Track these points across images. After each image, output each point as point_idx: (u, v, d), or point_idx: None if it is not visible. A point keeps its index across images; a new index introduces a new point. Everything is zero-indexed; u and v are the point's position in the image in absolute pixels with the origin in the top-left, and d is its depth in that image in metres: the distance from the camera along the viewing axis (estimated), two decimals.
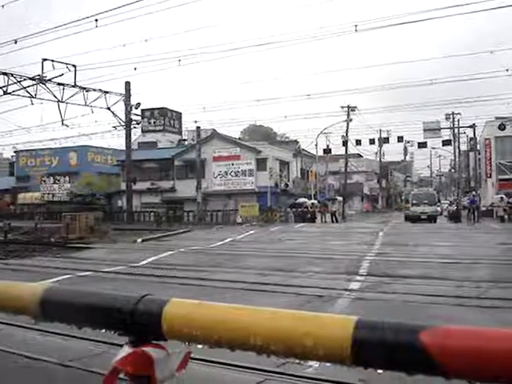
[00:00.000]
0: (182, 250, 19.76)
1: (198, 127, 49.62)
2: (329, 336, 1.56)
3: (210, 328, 1.75)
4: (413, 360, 1.50)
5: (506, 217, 40.77)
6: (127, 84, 43.85)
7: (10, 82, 36.76)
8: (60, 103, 38.95)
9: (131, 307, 1.91)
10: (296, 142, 65.67)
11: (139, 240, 25.71)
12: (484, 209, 46.80)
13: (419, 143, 57.51)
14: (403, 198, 73.61)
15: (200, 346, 1.86)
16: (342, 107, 57.17)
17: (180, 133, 69.00)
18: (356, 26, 30.17)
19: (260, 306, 6.33)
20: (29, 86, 37.27)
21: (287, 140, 75.97)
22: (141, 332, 1.93)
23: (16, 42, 33.74)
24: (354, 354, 1.55)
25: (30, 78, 36.92)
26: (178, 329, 1.81)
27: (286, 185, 53.55)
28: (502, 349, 1.34)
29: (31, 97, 37.77)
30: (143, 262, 16.20)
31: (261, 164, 51.62)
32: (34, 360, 5.21)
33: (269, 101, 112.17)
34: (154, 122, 64.47)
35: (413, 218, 44.21)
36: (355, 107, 57.17)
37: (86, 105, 40.29)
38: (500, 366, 1.38)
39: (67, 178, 63.26)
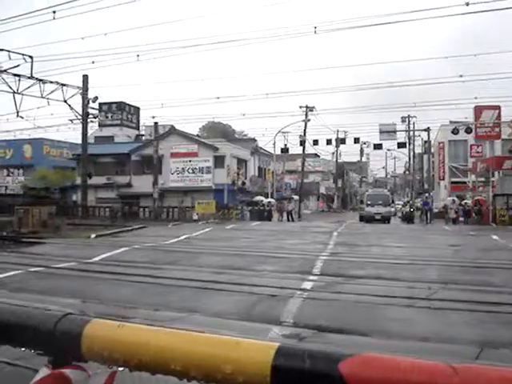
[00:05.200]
0: (137, 246, 19.61)
1: (156, 123, 49.31)
2: (248, 363, 1.52)
3: (129, 351, 1.70)
4: None
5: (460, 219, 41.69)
6: (85, 77, 43.30)
7: None
8: (15, 94, 38.30)
9: (51, 326, 1.82)
10: (254, 140, 65.81)
11: (93, 235, 25.41)
12: (436, 210, 47.77)
13: (375, 145, 58.18)
14: (358, 198, 74.53)
15: (121, 369, 1.81)
16: (301, 107, 57.53)
17: (138, 128, 68.45)
18: (315, 27, 30.46)
19: (213, 304, 6.37)
20: None
21: (245, 138, 76.07)
22: (60, 353, 1.85)
23: None
24: (274, 383, 1.50)
25: None
26: (98, 351, 1.75)
27: (243, 183, 53.65)
28: (416, 381, 1.33)
29: None
30: (96, 259, 16.03)
31: (218, 161, 51.68)
32: None
33: (228, 98, 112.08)
34: (112, 117, 63.75)
35: (367, 219, 44.80)
36: (313, 107, 57.59)
37: (42, 97, 39.67)
38: None
39: (21, 171, 62.17)
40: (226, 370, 1.53)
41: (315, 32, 29.98)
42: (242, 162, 56.37)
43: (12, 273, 12.76)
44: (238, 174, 52.74)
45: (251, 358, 1.53)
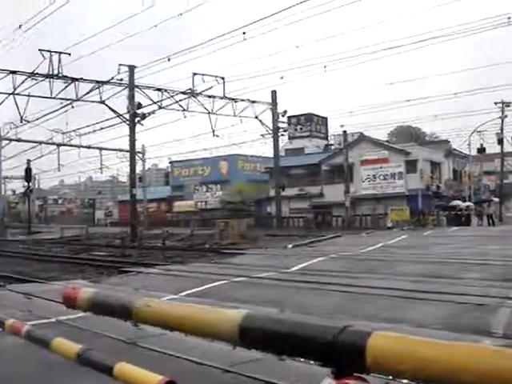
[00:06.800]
0: (333, 255, 19.69)
1: (345, 131, 49.48)
2: None
3: (418, 365, 1.67)
4: None
5: None
6: (273, 93, 44.81)
7: (164, 96, 39.07)
8: (210, 115, 40.74)
9: (331, 338, 1.88)
10: (447, 141, 63.31)
11: (290, 245, 25.99)
12: None
13: None
14: None
15: (405, 381, 1.83)
16: (496, 103, 54.34)
17: (326, 138, 69.15)
18: (510, 17, 28.74)
19: (416, 314, 6.14)
20: (181, 100, 39.39)
21: (437, 140, 73.40)
22: (342, 364, 1.90)
23: (169, 60, 35.56)
24: None
25: (182, 93, 38.97)
26: (383, 363, 1.76)
27: (438, 187, 51.81)
28: None
29: (184, 110, 39.89)
30: (294, 268, 16.31)
31: (410, 166, 50.38)
32: (199, 365, 5.43)
33: (416, 101, 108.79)
34: (301, 129, 65.09)
35: None
36: (510, 103, 54.07)
37: (234, 115, 41.79)
38: None
39: (219, 186, 65.84)
40: None
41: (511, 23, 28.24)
42: (435, 166, 54.45)
43: (218, 283, 13.42)
44: (431, 178, 51.04)
45: None
